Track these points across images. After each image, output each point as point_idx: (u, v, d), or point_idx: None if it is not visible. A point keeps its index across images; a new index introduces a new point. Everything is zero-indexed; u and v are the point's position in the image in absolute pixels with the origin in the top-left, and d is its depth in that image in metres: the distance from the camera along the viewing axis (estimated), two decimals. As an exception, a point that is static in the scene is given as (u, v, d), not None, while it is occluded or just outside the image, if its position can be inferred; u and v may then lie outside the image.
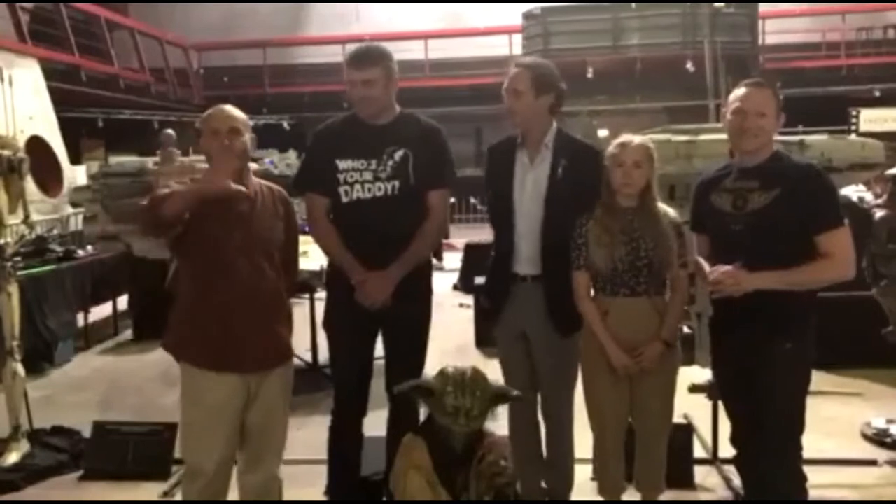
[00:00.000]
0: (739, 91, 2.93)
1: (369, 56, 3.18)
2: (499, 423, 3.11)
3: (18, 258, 4.62)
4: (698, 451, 4.15)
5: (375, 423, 3.40)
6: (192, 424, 2.96)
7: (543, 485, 3.47)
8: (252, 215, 2.94)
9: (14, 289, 4.43)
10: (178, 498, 3.46)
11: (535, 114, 3.23)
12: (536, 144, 3.26)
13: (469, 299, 7.77)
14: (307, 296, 5.92)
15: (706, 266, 2.87)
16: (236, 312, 2.88)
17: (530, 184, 3.24)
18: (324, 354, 4.39)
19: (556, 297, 3.21)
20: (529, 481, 3.34)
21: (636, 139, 3.09)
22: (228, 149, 2.85)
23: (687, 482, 3.90)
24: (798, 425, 2.88)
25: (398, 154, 3.19)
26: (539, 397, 3.38)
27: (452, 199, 3.17)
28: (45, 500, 4.02)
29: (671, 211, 3.13)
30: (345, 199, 3.19)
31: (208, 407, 2.89)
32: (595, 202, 3.17)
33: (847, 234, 2.81)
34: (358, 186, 3.18)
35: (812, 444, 3.25)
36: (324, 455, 3.44)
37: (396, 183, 3.18)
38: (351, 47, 3.31)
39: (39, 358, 6.26)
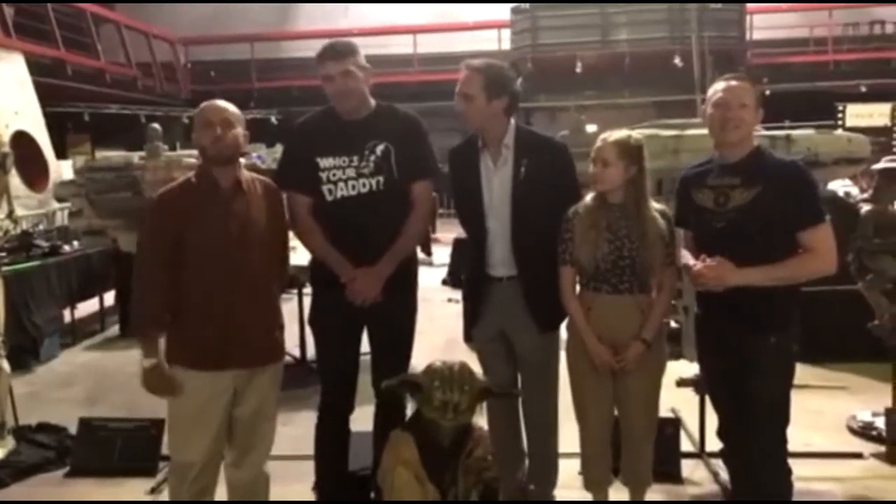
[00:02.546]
0: (719, 84, 2.94)
1: (341, 48, 3.13)
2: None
3: (3, 254, 4.61)
4: (686, 445, 4.16)
5: (362, 419, 3.40)
6: (178, 421, 2.95)
7: (525, 480, 3.47)
8: (244, 210, 2.92)
9: (-1, 284, 4.40)
10: (166, 494, 3.44)
11: (487, 118, 3.17)
12: (496, 146, 3.22)
13: (457, 294, 7.77)
14: (295, 291, 5.91)
15: (690, 259, 2.88)
16: (227, 310, 2.87)
17: (496, 187, 3.21)
18: (312, 350, 4.38)
19: (535, 296, 3.20)
20: (508, 477, 3.34)
21: (613, 136, 3.04)
22: None
23: (674, 476, 3.92)
24: (783, 418, 2.90)
25: (379, 148, 3.16)
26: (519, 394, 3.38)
27: (434, 193, 3.17)
28: (31, 496, 3.99)
29: (660, 217, 3.04)
30: (329, 198, 3.17)
31: (195, 404, 2.88)
32: (567, 196, 3.16)
33: (829, 230, 2.83)
34: (342, 184, 3.15)
35: (798, 437, 3.28)
36: (311, 451, 3.43)
37: (380, 178, 3.15)
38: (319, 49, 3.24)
39: (25, 354, 6.22)
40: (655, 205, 3.09)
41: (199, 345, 2.87)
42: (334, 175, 3.15)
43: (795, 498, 2.98)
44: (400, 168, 3.17)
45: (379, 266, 3.12)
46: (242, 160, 3.04)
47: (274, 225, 3.03)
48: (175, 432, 2.98)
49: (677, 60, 13.84)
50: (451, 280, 9.38)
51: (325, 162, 3.15)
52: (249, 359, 2.93)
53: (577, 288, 3.14)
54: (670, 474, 3.88)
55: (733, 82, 2.91)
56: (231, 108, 2.96)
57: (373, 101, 3.26)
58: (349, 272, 3.11)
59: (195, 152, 3.05)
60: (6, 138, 8.32)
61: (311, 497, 3.65)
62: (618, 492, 3.30)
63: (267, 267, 2.98)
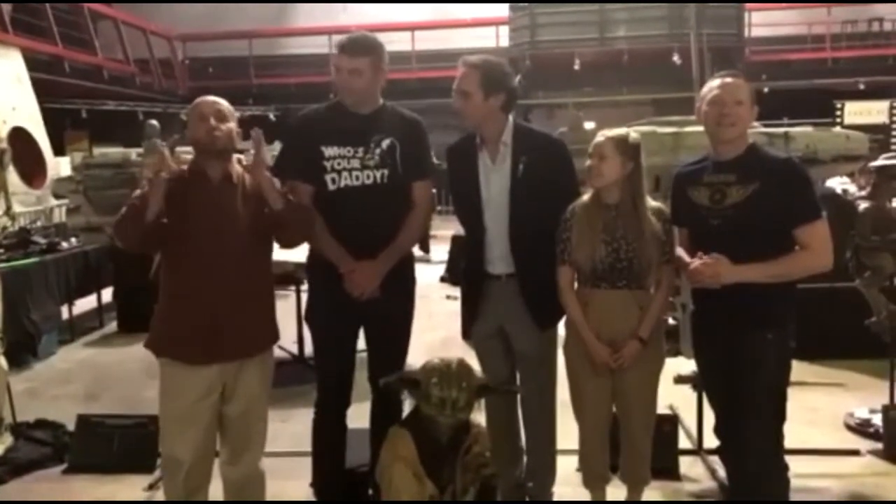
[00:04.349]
0: (714, 82, 2.94)
1: (360, 45, 3.12)
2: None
3: (1, 250, 4.59)
4: (684, 442, 4.16)
5: (359, 415, 3.40)
6: (168, 417, 2.95)
7: (523, 477, 3.47)
8: (231, 203, 2.92)
9: (-4, 281, 4.39)
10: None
11: (485, 115, 3.16)
12: (495, 143, 3.21)
13: (456, 291, 7.75)
14: (293, 288, 5.91)
15: (686, 257, 2.89)
16: (214, 301, 2.87)
17: (495, 184, 3.20)
18: (310, 346, 4.38)
19: (533, 293, 3.20)
20: (506, 474, 3.33)
21: (610, 132, 3.04)
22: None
23: (672, 473, 3.91)
24: (779, 415, 2.90)
25: (385, 143, 3.16)
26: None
27: (433, 190, 3.23)
28: (29, 493, 3.99)
29: (657, 214, 3.04)
30: (331, 187, 3.15)
31: (184, 400, 2.89)
32: (565, 193, 3.16)
33: (825, 226, 2.83)
34: (346, 174, 3.14)
35: (796, 433, 3.28)
36: (309, 447, 3.43)
37: (385, 171, 3.15)
38: (338, 38, 3.26)
39: (23, 351, 6.20)
40: (652, 203, 3.09)
41: (183, 336, 2.87)
42: (339, 164, 3.14)
43: (792, 495, 2.99)
44: (404, 164, 3.18)
45: (378, 260, 3.12)
46: (235, 156, 3.04)
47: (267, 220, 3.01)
48: (165, 430, 2.98)
49: (675, 58, 13.86)
50: (450, 277, 9.38)
51: (329, 151, 3.14)
52: (233, 352, 2.91)
53: (576, 286, 3.14)
54: (668, 471, 3.88)
55: (728, 79, 2.91)
56: (224, 102, 2.98)
57: (381, 100, 3.26)
58: (349, 264, 3.11)
59: (190, 149, 3.06)
60: (4, 134, 8.32)
61: (309, 494, 3.65)
62: (616, 489, 3.30)
63: (255, 260, 2.97)
